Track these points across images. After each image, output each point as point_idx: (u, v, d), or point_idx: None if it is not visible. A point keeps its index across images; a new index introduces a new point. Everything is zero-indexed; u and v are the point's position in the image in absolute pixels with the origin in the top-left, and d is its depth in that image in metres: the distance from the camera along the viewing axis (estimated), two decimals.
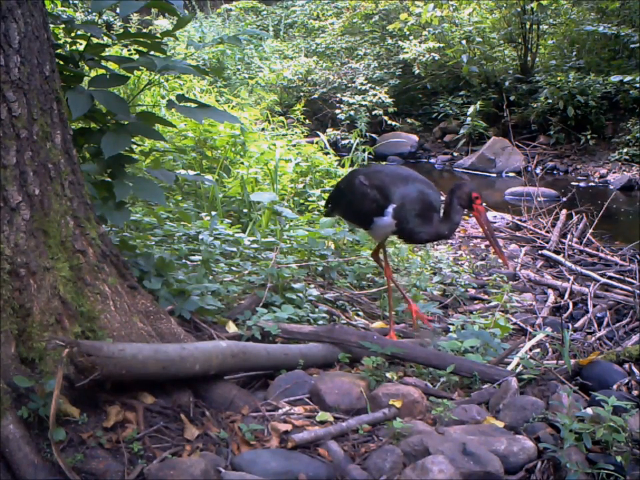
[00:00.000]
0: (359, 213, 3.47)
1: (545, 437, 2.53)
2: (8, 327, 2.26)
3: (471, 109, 12.90)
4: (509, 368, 3.25)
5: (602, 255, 6.33)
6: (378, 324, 3.94)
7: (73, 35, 3.26)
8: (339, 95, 13.71)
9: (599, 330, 4.61)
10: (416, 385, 2.94)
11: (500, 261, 4.25)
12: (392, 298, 3.72)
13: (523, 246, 6.70)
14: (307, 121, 11.77)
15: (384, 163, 8.24)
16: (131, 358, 2.32)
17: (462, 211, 3.31)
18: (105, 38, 3.34)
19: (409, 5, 13.93)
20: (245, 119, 7.67)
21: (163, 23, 14.59)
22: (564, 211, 7.42)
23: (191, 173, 5.27)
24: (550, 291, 5.42)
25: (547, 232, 7.05)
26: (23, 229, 2.35)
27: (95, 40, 3.23)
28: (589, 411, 2.55)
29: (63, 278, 2.41)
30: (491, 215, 8.10)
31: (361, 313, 4.12)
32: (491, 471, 2.34)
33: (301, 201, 6.20)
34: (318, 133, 9.11)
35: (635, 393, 2.84)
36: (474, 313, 4.63)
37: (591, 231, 6.86)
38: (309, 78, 14.20)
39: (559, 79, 12.03)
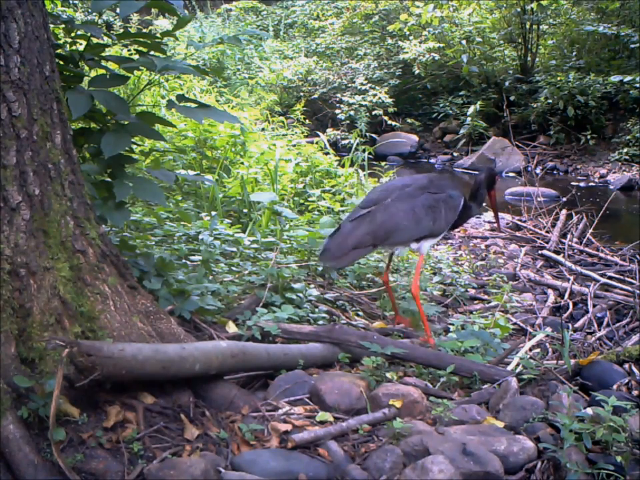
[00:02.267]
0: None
1: (545, 437, 2.53)
2: (8, 327, 2.26)
3: (471, 109, 12.90)
4: (509, 368, 3.24)
5: (602, 255, 6.33)
6: (378, 324, 3.94)
7: (73, 34, 3.26)
8: (338, 95, 13.72)
9: (599, 330, 4.61)
10: (416, 385, 2.94)
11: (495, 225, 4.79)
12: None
13: (523, 246, 6.70)
14: (307, 121, 11.78)
15: (383, 163, 8.23)
16: (130, 358, 2.32)
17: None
18: (105, 38, 3.34)
19: (409, 5, 13.93)
20: (245, 119, 7.67)
21: (163, 23, 14.60)
22: (564, 211, 7.42)
23: (191, 173, 5.27)
24: (550, 291, 5.42)
25: (547, 232, 7.05)
26: (23, 229, 2.35)
27: (94, 40, 3.23)
28: (589, 411, 2.55)
29: (62, 278, 2.41)
30: (491, 214, 8.12)
31: (360, 313, 4.12)
32: (490, 471, 2.34)
33: (301, 201, 6.20)
34: (318, 133, 9.11)
35: (635, 392, 2.84)
36: (474, 312, 4.63)
37: (590, 230, 6.87)
38: (309, 78, 14.20)
39: (559, 79, 12.04)
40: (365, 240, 3.45)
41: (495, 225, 4.32)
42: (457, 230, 3.92)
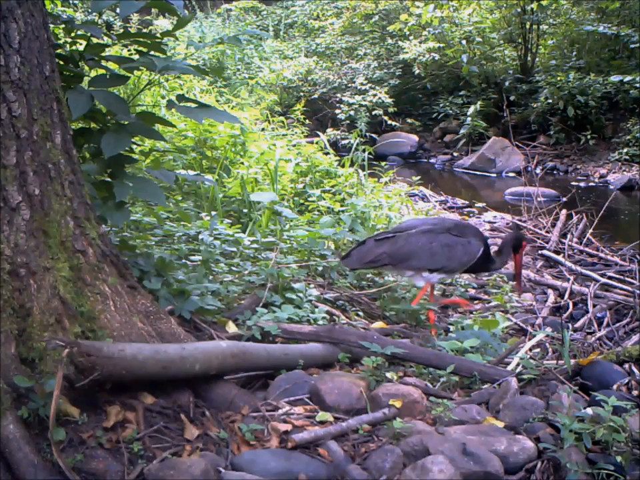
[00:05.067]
0: None
1: (545, 437, 2.53)
2: (8, 327, 2.26)
3: (471, 109, 12.90)
4: (509, 368, 3.24)
5: (602, 255, 6.33)
6: (378, 324, 3.94)
7: (73, 35, 3.25)
8: (338, 95, 13.72)
9: (599, 330, 4.61)
10: (416, 385, 2.93)
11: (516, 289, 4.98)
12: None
13: None
14: (307, 121, 11.76)
15: (383, 163, 8.23)
16: (130, 358, 2.32)
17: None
18: (105, 38, 3.34)
19: (409, 5, 13.93)
20: (245, 118, 7.66)
21: (163, 23, 14.57)
22: (564, 211, 7.42)
23: (191, 172, 5.27)
24: (550, 291, 5.42)
25: (547, 232, 7.05)
26: (23, 229, 2.35)
27: (95, 40, 3.23)
28: (589, 411, 2.55)
29: (63, 278, 2.41)
30: (490, 214, 8.14)
31: (361, 313, 4.12)
32: (490, 471, 2.34)
33: (301, 201, 6.21)
34: (318, 133, 9.10)
35: (635, 392, 2.84)
36: (474, 313, 4.63)
37: (590, 230, 6.87)
38: (309, 78, 14.20)
39: (559, 78, 12.03)
40: (382, 258, 3.97)
41: (515, 284, 4.72)
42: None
